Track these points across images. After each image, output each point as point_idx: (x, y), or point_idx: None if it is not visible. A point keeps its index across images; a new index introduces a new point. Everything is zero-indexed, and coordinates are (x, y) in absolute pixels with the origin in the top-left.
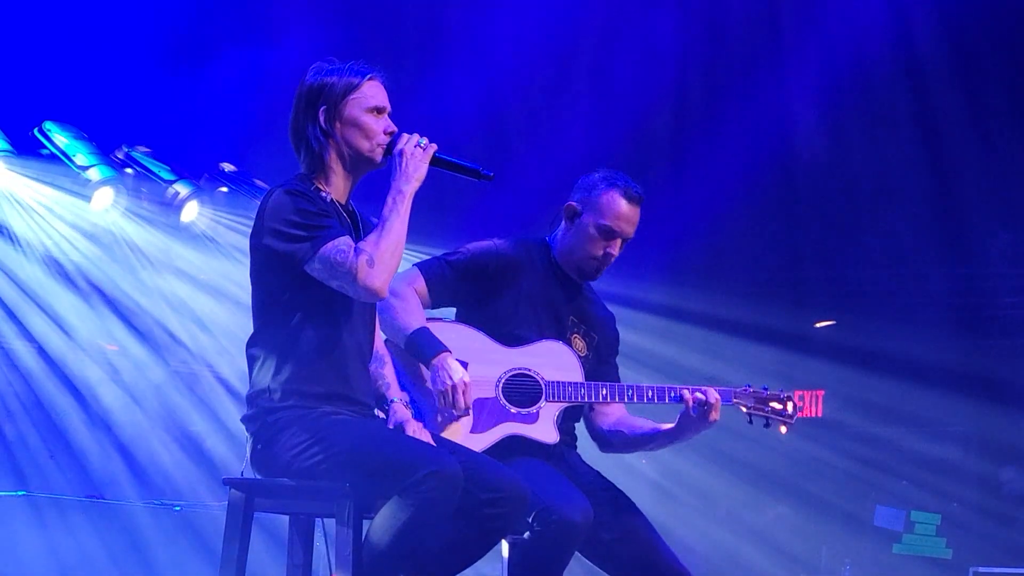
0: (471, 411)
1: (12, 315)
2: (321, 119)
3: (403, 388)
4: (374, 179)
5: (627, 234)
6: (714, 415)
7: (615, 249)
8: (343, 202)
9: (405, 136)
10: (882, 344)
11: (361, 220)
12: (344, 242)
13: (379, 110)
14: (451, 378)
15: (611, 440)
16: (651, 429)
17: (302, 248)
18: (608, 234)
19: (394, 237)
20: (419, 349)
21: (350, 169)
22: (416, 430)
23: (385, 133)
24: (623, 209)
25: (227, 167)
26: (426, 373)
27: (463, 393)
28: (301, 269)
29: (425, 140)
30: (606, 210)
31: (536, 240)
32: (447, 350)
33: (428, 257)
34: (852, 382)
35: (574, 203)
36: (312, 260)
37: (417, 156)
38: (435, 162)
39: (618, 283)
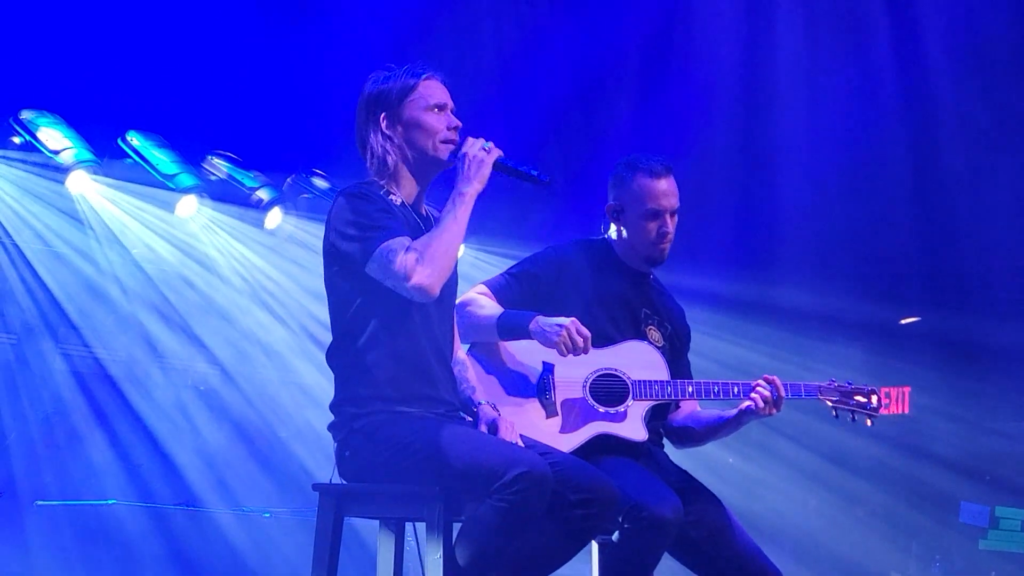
0: (560, 411)
1: (99, 325)
2: (383, 124)
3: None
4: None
5: (673, 207)
6: (780, 408)
7: (669, 225)
8: (415, 206)
9: (471, 139)
10: (968, 337)
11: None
12: (398, 242)
13: (439, 107)
14: (560, 324)
15: (682, 435)
16: (717, 418)
17: (360, 248)
18: (656, 215)
19: (448, 237)
20: (512, 325)
21: (417, 171)
22: (508, 429)
23: (448, 129)
24: (658, 187)
25: (319, 183)
26: (526, 364)
27: (578, 331)
28: (362, 270)
29: (490, 144)
30: (643, 195)
31: (596, 240)
32: (538, 314)
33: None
34: (941, 377)
35: (612, 203)
36: (369, 260)
37: (480, 159)
38: (497, 167)
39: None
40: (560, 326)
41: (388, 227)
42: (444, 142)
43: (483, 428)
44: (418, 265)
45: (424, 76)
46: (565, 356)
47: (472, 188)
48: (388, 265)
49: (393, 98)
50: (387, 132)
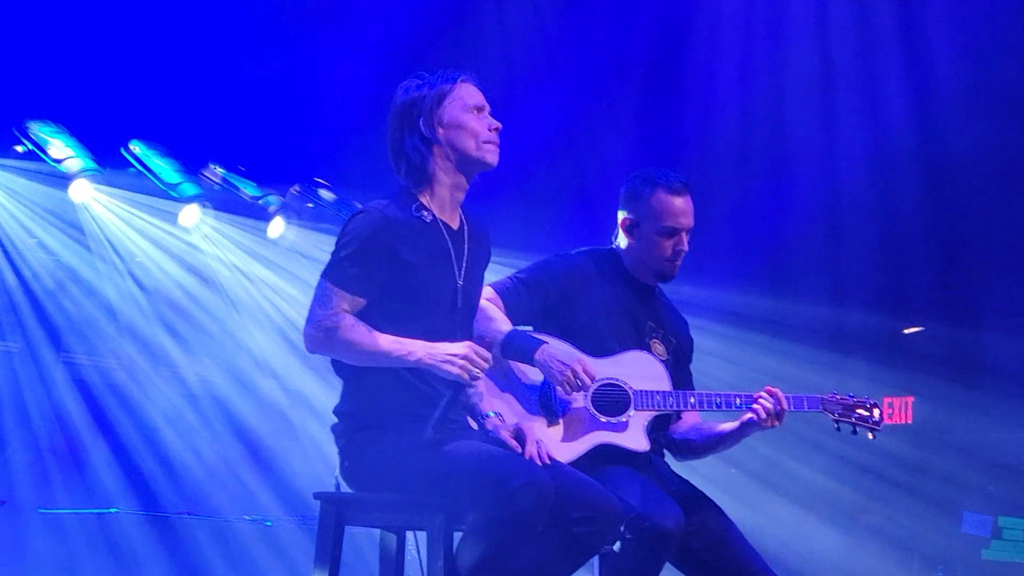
0: (562, 420)
1: (101, 333)
2: (422, 128)
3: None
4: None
5: (688, 226)
6: (782, 420)
7: (683, 244)
8: (448, 218)
9: (474, 352)
10: (972, 347)
11: (470, 235)
12: (341, 295)
13: (478, 108)
14: (567, 362)
15: (684, 447)
16: (719, 430)
17: (325, 267)
18: (671, 233)
19: (366, 353)
20: (517, 348)
21: (456, 175)
22: (532, 436)
23: (489, 130)
24: (676, 205)
25: (326, 195)
26: (528, 372)
27: (583, 370)
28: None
29: (477, 379)
30: (660, 212)
31: (605, 250)
32: (545, 342)
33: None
34: (943, 386)
35: (627, 216)
36: (319, 279)
37: (461, 368)
38: (453, 389)
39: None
40: (566, 365)
41: (350, 274)
42: (487, 143)
43: (506, 435)
44: (326, 333)
45: (460, 79)
46: (568, 395)
47: (423, 364)
48: (316, 301)
49: (431, 101)
50: (426, 136)
